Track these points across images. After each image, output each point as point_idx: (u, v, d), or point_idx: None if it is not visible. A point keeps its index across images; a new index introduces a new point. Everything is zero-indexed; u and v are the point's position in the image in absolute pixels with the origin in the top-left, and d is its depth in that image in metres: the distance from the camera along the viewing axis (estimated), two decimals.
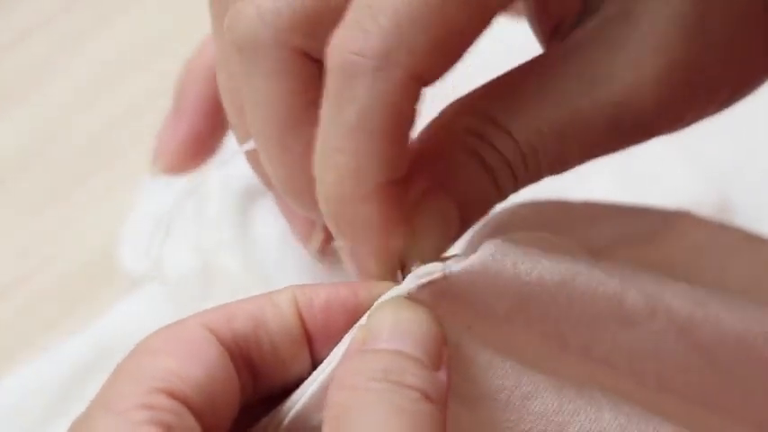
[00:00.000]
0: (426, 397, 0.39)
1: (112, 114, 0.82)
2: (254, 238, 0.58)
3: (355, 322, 0.42)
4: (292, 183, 0.45)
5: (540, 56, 0.44)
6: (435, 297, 0.42)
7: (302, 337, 0.42)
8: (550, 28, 0.45)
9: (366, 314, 0.41)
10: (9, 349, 0.69)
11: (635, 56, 0.43)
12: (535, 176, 0.44)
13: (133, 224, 0.66)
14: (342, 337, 0.41)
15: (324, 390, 0.41)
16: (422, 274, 0.42)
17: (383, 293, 0.42)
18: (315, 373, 0.42)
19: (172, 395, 0.39)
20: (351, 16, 0.40)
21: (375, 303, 0.41)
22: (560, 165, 0.44)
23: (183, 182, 0.67)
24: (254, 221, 0.59)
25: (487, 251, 0.42)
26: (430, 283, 0.42)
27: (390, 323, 0.40)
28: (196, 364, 0.40)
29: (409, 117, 0.41)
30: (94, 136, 0.80)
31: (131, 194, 0.71)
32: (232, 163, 0.62)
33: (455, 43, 0.41)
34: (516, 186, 0.44)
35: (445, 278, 0.42)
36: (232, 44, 0.43)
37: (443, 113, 0.44)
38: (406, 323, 0.40)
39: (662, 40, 0.43)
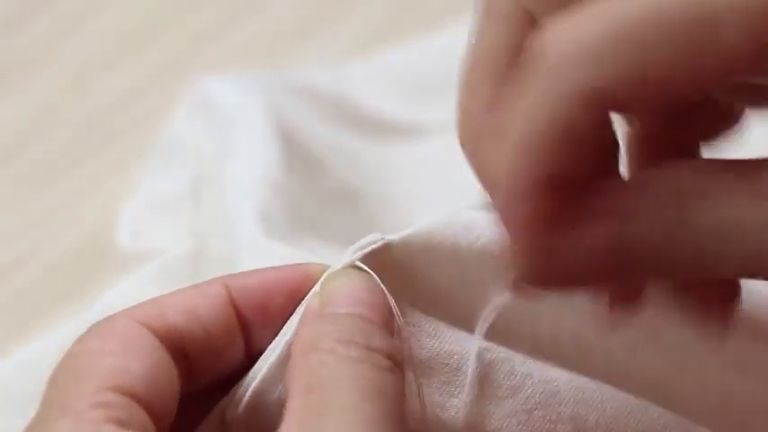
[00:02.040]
0: (392, 361, 0.39)
1: (111, 98, 0.81)
2: (235, 225, 0.58)
3: (295, 300, 0.42)
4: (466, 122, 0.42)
5: None
6: (379, 269, 0.42)
7: (235, 324, 0.42)
8: None
9: (318, 283, 0.42)
10: (4, 333, 0.69)
11: None
12: None
13: (131, 207, 0.66)
14: (282, 316, 0.42)
15: (282, 362, 0.41)
16: (363, 244, 0.42)
17: (318, 271, 0.42)
18: (270, 346, 0.42)
19: (120, 391, 0.39)
20: (576, 4, 0.37)
21: (325, 273, 0.42)
22: None
23: (182, 166, 0.67)
24: (240, 210, 0.59)
25: (427, 222, 0.43)
26: (372, 252, 0.42)
27: (346, 289, 0.41)
28: (136, 358, 0.40)
29: (579, 134, 0.37)
30: (92, 119, 0.80)
31: (129, 178, 0.71)
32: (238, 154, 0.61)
33: (654, 79, 0.36)
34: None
35: (386, 247, 0.42)
36: None
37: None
38: (361, 290, 0.41)
39: None
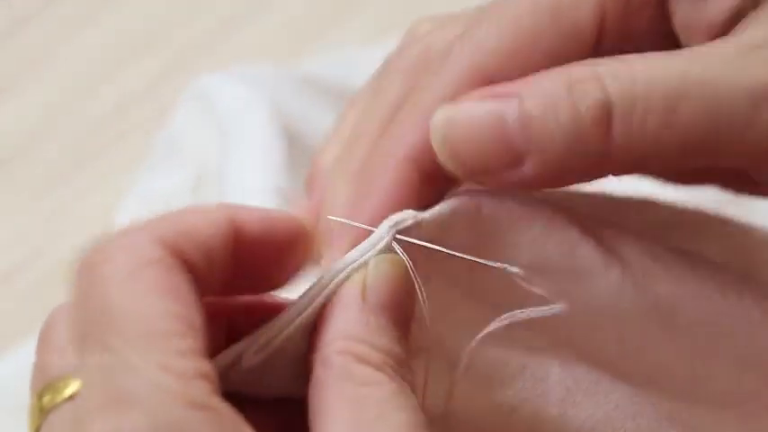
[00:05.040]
0: (407, 369, 0.39)
1: (112, 100, 0.81)
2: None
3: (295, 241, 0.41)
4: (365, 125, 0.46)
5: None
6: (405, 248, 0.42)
7: (231, 251, 0.40)
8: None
9: (353, 266, 0.41)
10: (8, 336, 0.69)
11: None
12: (632, 135, 0.41)
13: (130, 206, 0.66)
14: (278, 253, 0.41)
15: (308, 325, 0.41)
16: (396, 221, 0.42)
17: (307, 227, 0.42)
18: (297, 305, 0.41)
19: (192, 354, 0.36)
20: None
21: (372, 258, 0.41)
22: (666, 128, 0.41)
23: (182, 165, 0.67)
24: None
25: (455, 198, 0.43)
26: (405, 230, 0.42)
27: (389, 287, 0.41)
28: (189, 307, 0.37)
29: None
30: (94, 122, 0.80)
31: (131, 180, 0.71)
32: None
33: (532, 55, 0.42)
34: (607, 134, 0.41)
35: (418, 225, 0.42)
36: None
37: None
38: (400, 289, 0.41)
39: None
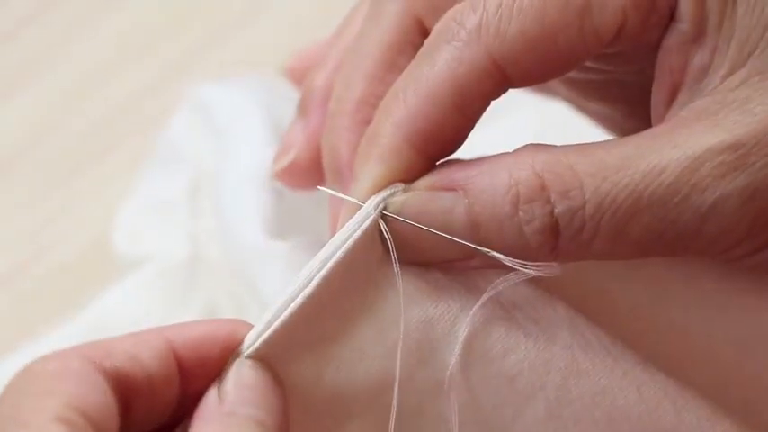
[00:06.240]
0: None
1: (112, 103, 0.81)
2: (236, 227, 0.59)
3: (227, 350, 0.42)
4: (348, 103, 0.46)
5: (648, 130, 0.43)
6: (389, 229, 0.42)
7: (175, 374, 0.42)
8: (667, 94, 0.44)
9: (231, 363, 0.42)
10: (8, 338, 0.69)
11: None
12: (580, 248, 0.41)
13: (128, 210, 0.66)
14: (216, 367, 0.42)
15: None
16: (383, 196, 0.42)
17: (244, 331, 0.42)
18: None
19: (82, 414, 0.39)
20: None
21: (233, 363, 0.42)
22: (615, 243, 0.41)
23: (180, 171, 0.67)
24: (241, 212, 0.59)
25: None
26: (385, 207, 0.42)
27: (246, 391, 0.41)
28: (92, 389, 0.39)
29: (472, 101, 0.42)
30: (94, 125, 0.80)
31: (131, 182, 0.71)
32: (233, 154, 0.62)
33: (549, 49, 0.42)
34: (553, 249, 0.41)
35: (405, 191, 0.43)
36: None
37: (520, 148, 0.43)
38: (256, 391, 0.41)
39: None
